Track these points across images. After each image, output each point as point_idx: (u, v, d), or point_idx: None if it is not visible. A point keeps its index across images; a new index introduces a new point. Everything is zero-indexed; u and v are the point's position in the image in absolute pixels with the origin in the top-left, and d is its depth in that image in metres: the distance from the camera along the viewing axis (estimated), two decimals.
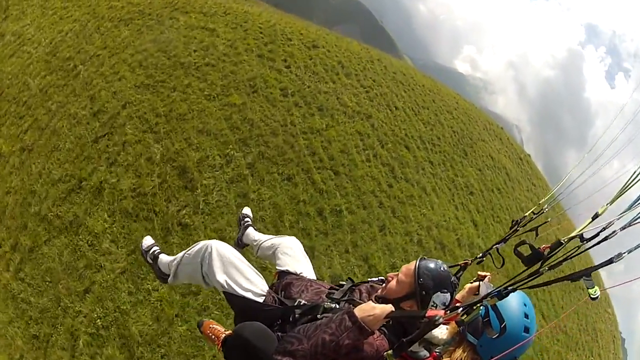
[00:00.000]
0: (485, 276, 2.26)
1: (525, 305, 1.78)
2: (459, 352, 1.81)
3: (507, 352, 1.65)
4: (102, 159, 7.32)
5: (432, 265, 1.81)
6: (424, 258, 1.89)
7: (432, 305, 1.76)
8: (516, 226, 2.68)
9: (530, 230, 2.78)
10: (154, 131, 7.93)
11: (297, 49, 11.86)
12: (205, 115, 8.54)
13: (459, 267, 2.40)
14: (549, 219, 3.03)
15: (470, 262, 2.41)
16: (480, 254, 2.52)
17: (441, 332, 1.94)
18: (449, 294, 1.77)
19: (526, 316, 1.75)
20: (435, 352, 1.91)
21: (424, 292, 1.76)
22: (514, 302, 1.76)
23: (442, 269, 1.81)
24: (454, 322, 1.79)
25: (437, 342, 1.93)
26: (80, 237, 6.76)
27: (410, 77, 15.76)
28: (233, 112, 8.91)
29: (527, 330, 1.73)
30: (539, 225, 2.77)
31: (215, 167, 7.86)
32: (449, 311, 1.49)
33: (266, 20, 12.52)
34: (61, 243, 6.75)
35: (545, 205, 2.89)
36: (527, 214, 2.75)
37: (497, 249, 2.59)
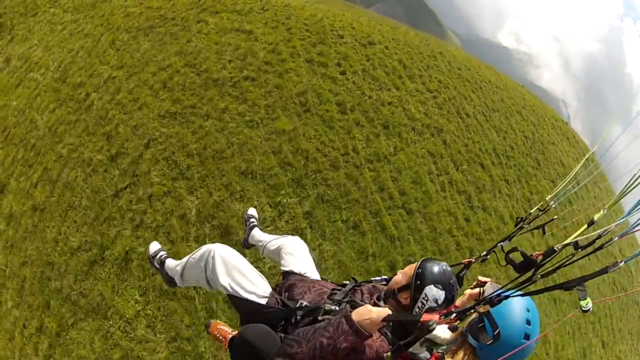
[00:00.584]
0: (485, 282, 2.13)
1: (528, 311, 1.72)
2: (460, 355, 1.80)
3: (505, 356, 1.60)
4: (125, 219, 5.89)
5: (435, 262, 1.85)
6: (431, 257, 2.11)
7: (424, 298, 1.75)
8: (521, 223, 2.46)
9: (537, 228, 2.56)
10: (185, 177, 6.37)
11: (351, 49, 9.77)
12: (249, 150, 6.86)
13: (462, 265, 2.28)
14: (555, 217, 2.73)
15: (474, 260, 2.30)
16: (484, 252, 2.35)
17: (444, 333, 1.89)
18: (443, 292, 1.76)
19: (528, 322, 1.69)
20: (438, 352, 1.85)
21: (418, 282, 1.78)
22: (517, 308, 1.70)
23: (443, 267, 1.82)
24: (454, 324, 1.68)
25: (440, 342, 1.89)
26: (111, 321, 5.46)
27: (476, 73, 13.25)
28: (282, 142, 7.16)
29: (527, 337, 1.67)
30: (546, 223, 2.56)
31: (266, 222, 6.24)
32: (443, 316, 1.47)
33: (311, 15, 10.41)
34: (90, 327, 5.49)
35: (552, 202, 2.58)
36: (532, 210, 2.49)
37: (502, 247, 2.38)
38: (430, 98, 10.06)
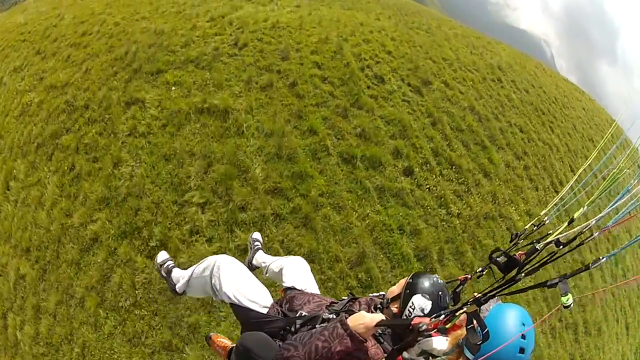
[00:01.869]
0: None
1: (523, 325, 1.59)
2: None
3: None
4: None
5: (428, 274, 1.84)
6: (427, 271, 2.15)
7: (410, 307, 1.77)
8: (516, 239, 2.29)
9: (531, 243, 2.17)
10: None
11: (403, 105, 5.66)
12: None
13: (458, 281, 2.19)
14: (550, 232, 2.20)
15: (470, 276, 2.19)
16: (481, 269, 2.21)
17: (441, 344, 1.78)
18: (430, 302, 1.75)
19: (523, 337, 1.56)
20: None
21: (407, 291, 1.79)
22: (512, 322, 1.57)
23: (434, 279, 1.81)
24: (453, 333, 1.70)
25: (437, 353, 1.79)
26: None
27: (540, 90, 9.49)
28: None
29: (522, 351, 1.55)
30: (541, 238, 2.18)
31: None
32: (433, 318, 1.50)
33: (320, 40, 5.93)
34: None
35: (546, 218, 2.35)
36: (527, 226, 2.31)
37: (493, 261, 2.17)
38: (522, 172, 6.44)
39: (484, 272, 2.26)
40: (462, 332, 1.68)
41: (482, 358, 1.53)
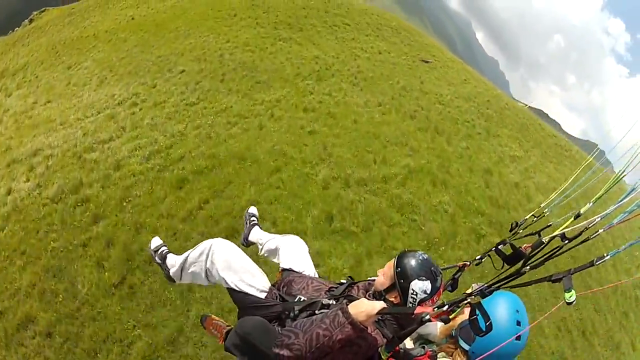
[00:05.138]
0: (465, 264, 2.22)
1: (517, 312, 1.72)
2: (456, 358, 1.80)
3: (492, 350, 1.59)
4: None
5: (410, 255, 1.83)
6: (405, 250, 1.91)
7: (412, 294, 1.75)
8: (516, 228, 2.44)
9: (532, 234, 2.37)
10: None
11: None
12: None
13: (457, 268, 2.29)
14: (550, 223, 2.45)
15: (469, 263, 2.27)
16: (479, 256, 2.31)
17: (436, 329, 1.90)
18: (428, 281, 1.75)
19: (518, 323, 1.70)
20: (430, 350, 1.86)
21: (402, 280, 1.78)
22: (506, 310, 1.69)
23: (420, 257, 1.81)
24: (445, 323, 1.69)
25: (432, 338, 1.89)
26: None
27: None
28: None
29: (518, 338, 1.69)
30: (542, 229, 2.37)
31: None
32: (436, 308, 1.51)
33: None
34: None
35: (547, 209, 2.48)
36: (527, 217, 2.44)
37: (497, 252, 2.29)
38: None
39: (482, 260, 2.28)
40: (454, 323, 1.78)
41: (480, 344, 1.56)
